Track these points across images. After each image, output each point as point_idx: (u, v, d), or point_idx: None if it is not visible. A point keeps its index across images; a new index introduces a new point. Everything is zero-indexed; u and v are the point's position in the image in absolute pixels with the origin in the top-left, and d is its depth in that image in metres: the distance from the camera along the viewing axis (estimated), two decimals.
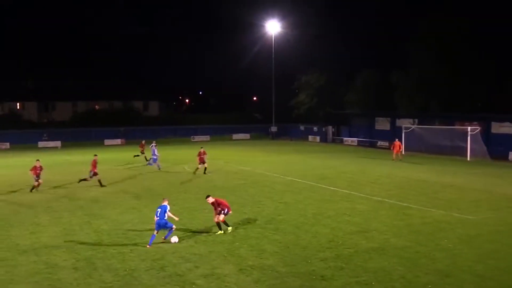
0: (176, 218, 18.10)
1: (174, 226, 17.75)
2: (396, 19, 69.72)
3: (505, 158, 45.43)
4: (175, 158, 46.35)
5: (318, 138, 70.06)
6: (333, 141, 68.69)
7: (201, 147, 36.85)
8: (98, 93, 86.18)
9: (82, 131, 68.97)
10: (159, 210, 17.58)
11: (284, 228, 19.55)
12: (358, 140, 63.68)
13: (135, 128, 71.54)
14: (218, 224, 18.77)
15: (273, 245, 17.28)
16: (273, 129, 75.79)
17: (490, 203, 24.72)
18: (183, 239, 17.94)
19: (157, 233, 17.44)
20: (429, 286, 13.48)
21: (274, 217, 21.37)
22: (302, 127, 75.82)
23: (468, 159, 44.82)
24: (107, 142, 67.58)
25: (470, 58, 55.85)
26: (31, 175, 28.58)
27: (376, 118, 64.21)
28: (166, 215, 17.53)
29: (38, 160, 29.27)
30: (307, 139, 71.75)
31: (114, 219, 21.41)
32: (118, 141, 68.40)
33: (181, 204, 24.33)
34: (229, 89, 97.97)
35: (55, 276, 14.47)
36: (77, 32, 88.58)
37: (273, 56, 71.87)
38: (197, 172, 35.08)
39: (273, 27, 71.43)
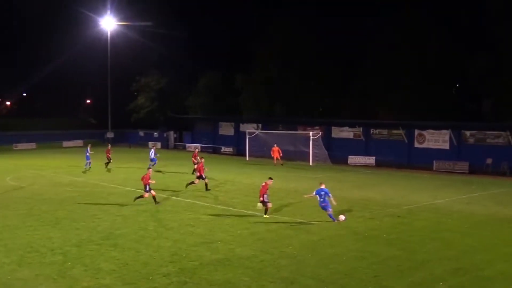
0: (334, 203, 22.44)
1: (330, 210, 22.04)
2: (241, 20, 72.09)
3: (345, 162, 49.22)
4: None
5: (159, 144, 69.63)
6: (175, 147, 68.86)
7: (197, 149, 43.11)
8: None
9: None
10: (322, 193, 21.68)
11: (122, 244, 19.07)
12: (201, 146, 64.53)
13: None
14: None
15: (110, 262, 16.76)
16: (109, 135, 73.46)
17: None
18: (4, 263, 16.65)
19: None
20: None
21: (112, 232, 20.75)
22: (141, 133, 74.84)
23: (311, 164, 47.72)
24: None
25: (314, 63, 59.73)
26: (144, 183, 25.83)
27: (219, 123, 65.62)
28: (327, 198, 21.61)
29: (149, 168, 27.09)
30: (147, 145, 70.88)
31: None
32: None
33: (0, 222, 22.55)
34: (59, 90, 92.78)
35: None
36: None
37: (108, 55, 69.34)
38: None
39: (108, 23, 68.33)
